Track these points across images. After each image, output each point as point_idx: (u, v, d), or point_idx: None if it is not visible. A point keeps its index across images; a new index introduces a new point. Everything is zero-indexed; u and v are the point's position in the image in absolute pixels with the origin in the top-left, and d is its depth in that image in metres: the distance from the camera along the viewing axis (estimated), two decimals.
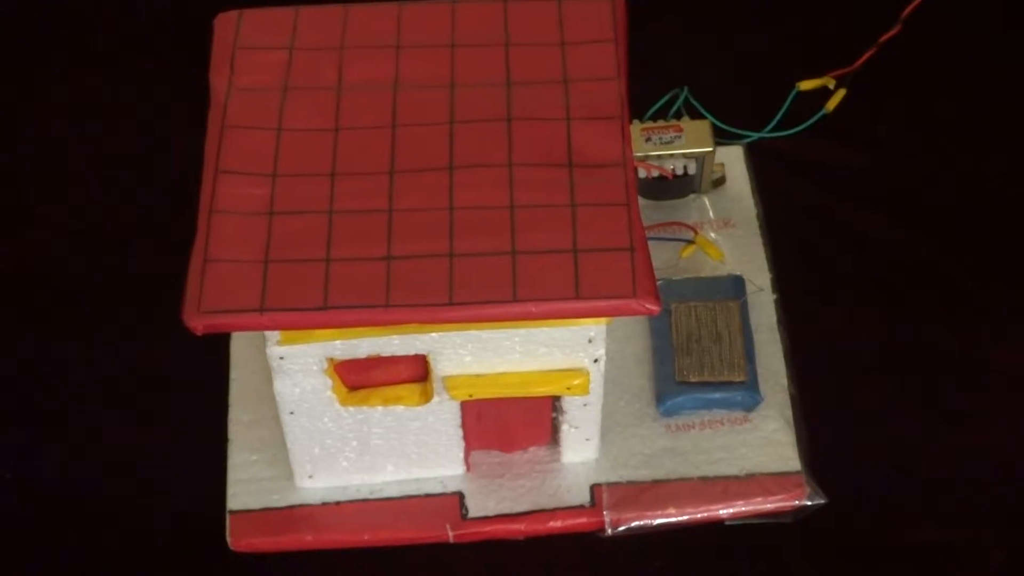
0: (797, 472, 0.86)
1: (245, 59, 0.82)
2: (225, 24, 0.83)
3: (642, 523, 0.85)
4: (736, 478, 0.86)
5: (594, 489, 0.86)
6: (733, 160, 0.99)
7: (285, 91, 0.80)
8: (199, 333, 0.73)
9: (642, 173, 0.94)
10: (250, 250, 0.74)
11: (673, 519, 0.85)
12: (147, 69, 1.07)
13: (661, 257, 0.94)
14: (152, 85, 1.06)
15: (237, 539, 0.85)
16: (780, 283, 0.94)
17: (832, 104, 1.02)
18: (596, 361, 0.80)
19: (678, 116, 0.97)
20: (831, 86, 1.02)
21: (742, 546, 0.85)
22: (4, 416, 0.91)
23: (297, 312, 0.73)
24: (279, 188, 0.77)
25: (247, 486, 0.86)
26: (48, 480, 0.89)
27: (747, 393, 0.88)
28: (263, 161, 0.78)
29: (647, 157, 0.94)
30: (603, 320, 0.78)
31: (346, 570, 0.85)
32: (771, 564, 0.85)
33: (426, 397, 0.81)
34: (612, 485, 0.86)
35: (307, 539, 0.85)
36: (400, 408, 0.82)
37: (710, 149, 0.94)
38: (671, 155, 0.94)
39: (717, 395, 0.88)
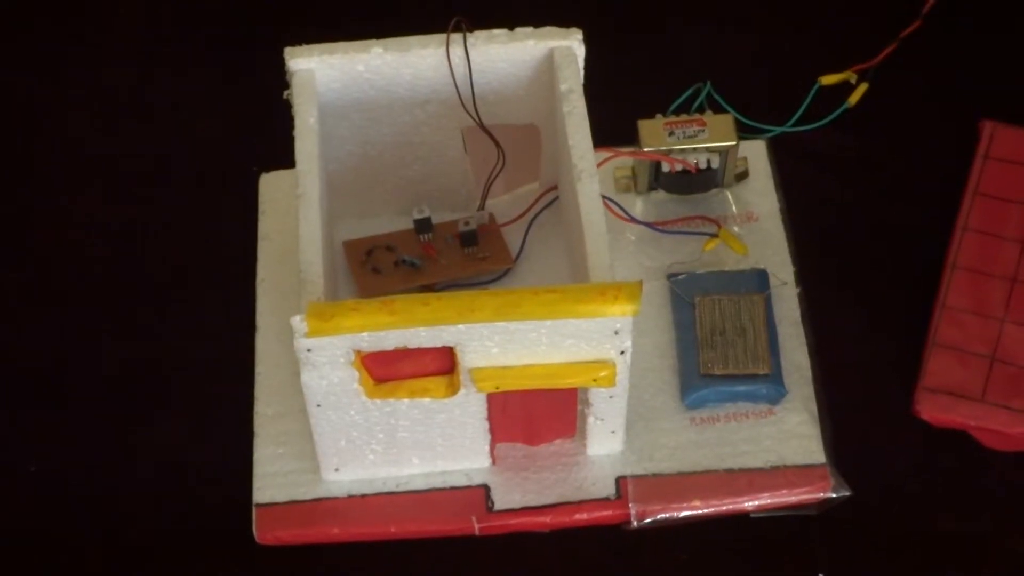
0: (822, 464, 0.86)
1: None
2: None
3: (667, 515, 0.85)
4: (761, 470, 0.86)
5: (619, 481, 0.86)
6: (756, 154, 0.99)
7: None
8: None
9: (665, 167, 0.94)
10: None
11: (698, 511, 0.85)
12: (171, 62, 1.08)
13: (685, 250, 0.94)
14: (173, 77, 1.06)
15: (263, 532, 0.85)
16: (803, 277, 0.94)
17: (854, 98, 1.02)
18: (623, 353, 0.80)
19: (701, 110, 0.97)
20: (853, 80, 1.02)
21: (767, 538, 0.85)
22: (29, 410, 0.91)
23: None
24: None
25: (273, 479, 0.87)
26: (73, 474, 0.89)
27: (771, 386, 0.88)
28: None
29: (670, 151, 0.94)
30: (629, 311, 0.77)
31: (372, 563, 0.85)
32: (796, 556, 0.85)
33: (453, 389, 0.81)
34: (637, 477, 0.86)
35: (333, 532, 0.85)
36: (427, 400, 0.82)
37: (733, 143, 0.94)
38: (694, 149, 0.94)
39: (742, 388, 0.88)
